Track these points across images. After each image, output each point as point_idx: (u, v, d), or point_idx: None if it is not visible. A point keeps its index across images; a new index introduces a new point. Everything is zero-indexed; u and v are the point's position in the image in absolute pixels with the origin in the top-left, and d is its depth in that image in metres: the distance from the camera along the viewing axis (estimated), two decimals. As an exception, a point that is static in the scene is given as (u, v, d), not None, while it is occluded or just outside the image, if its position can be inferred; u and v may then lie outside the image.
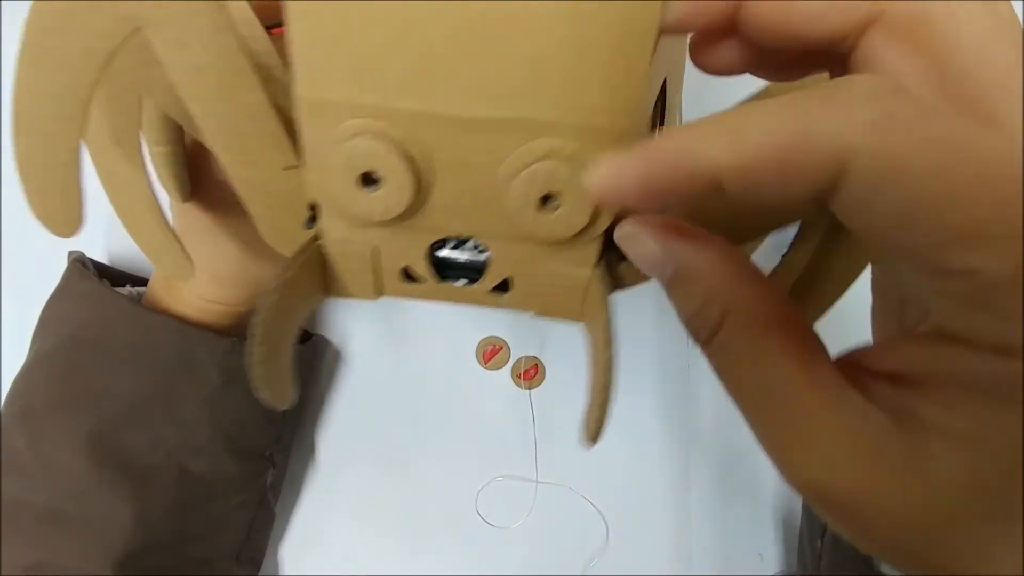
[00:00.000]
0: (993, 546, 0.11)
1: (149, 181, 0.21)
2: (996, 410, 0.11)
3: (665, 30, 0.14)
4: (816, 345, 0.13)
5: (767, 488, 0.42)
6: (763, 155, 0.11)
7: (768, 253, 0.21)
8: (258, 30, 0.18)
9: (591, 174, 0.13)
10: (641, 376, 0.42)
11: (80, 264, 0.35)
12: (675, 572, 0.41)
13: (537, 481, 0.41)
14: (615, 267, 0.21)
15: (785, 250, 0.21)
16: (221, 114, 0.18)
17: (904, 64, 0.12)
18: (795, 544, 0.41)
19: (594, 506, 0.41)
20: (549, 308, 0.21)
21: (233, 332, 0.34)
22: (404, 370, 0.43)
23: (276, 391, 0.19)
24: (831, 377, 0.13)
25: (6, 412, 0.33)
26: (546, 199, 0.17)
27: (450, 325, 0.42)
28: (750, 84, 0.18)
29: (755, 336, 0.13)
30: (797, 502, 0.41)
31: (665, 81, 0.28)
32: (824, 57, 0.14)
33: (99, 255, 0.37)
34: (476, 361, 0.43)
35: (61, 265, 0.35)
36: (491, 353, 0.43)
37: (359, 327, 0.43)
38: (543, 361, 0.42)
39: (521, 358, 0.42)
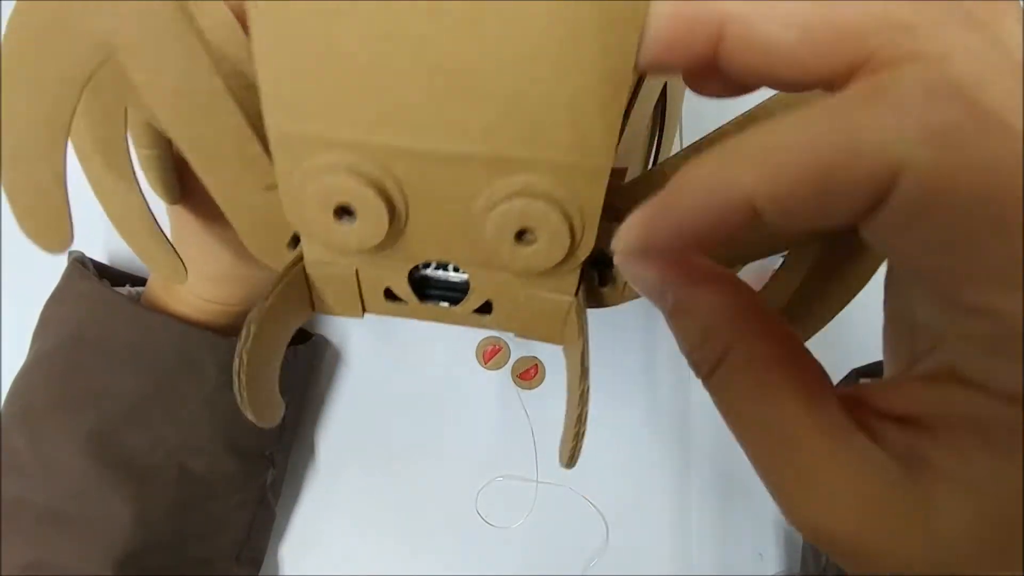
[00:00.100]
0: None
1: (138, 187, 0.21)
2: (1007, 460, 0.11)
3: (640, 73, 0.13)
4: (822, 383, 0.13)
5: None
6: (804, 177, 0.10)
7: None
8: (237, 33, 0.18)
9: (617, 240, 0.12)
10: (641, 376, 0.42)
11: (80, 264, 0.35)
12: (675, 572, 0.41)
13: (537, 481, 0.41)
14: (596, 291, 0.21)
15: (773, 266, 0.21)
16: (198, 136, 0.17)
17: None
18: (795, 544, 0.41)
19: (594, 506, 0.41)
20: (530, 330, 0.21)
21: (232, 331, 0.34)
22: (404, 370, 0.43)
23: (262, 412, 0.19)
24: (836, 418, 0.12)
25: (6, 412, 0.33)
26: (522, 233, 0.16)
27: (450, 325, 0.42)
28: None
29: (758, 373, 0.13)
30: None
31: (666, 84, 0.28)
32: None
33: (99, 255, 0.37)
34: (476, 361, 0.43)
35: (61, 265, 0.35)
36: (491, 353, 0.43)
37: (359, 327, 0.43)
38: (543, 361, 0.42)
39: (521, 358, 0.42)
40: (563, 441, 0.18)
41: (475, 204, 0.16)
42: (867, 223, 0.11)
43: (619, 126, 0.14)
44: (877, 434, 0.12)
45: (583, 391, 0.17)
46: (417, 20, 0.13)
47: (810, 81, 0.11)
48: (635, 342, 0.43)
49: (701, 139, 0.19)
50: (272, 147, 0.16)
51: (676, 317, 0.14)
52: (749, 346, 0.13)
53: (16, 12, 0.15)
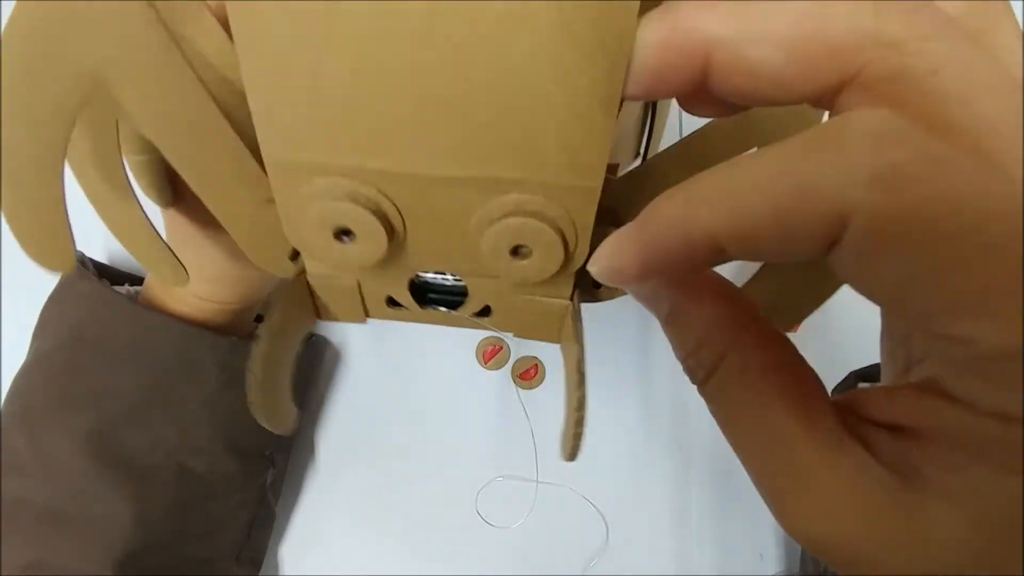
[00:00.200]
0: None
1: (134, 196, 0.21)
2: (997, 474, 0.11)
3: (628, 99, 0.13)
4: (816, 391, 0.13)
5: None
6: (760, 216, 0.10)
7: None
8: (232, 56, 0.18)
9: (592, 262, 0.13)
10: (641, 376, 0.42)
11: (80, 264, 0.35)
12: (675, 572, 0.41)
13: (537, 481, 0.41)
14: (592, 290, 0.21)
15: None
16: (193, 156, 0.17)
17: None
18: (795, 544, 0.41)
19: (594, 506, 0.41)
20: (528, 331, 0.21)
21: (231, 330, 0.34)
22: (404, 370, 0.43)
23: (278, 421, 0.19)
24: (830, 426, 0.12)
25: (6, 412, 0.33)
26: (517, 248, 0.17)
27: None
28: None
29: (752, 381, 0.13)
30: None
31: None
32: None
33: (99, 255, 0.37)
34: (476, 361, 0.43)
35: (61, 265, 0.35)
36: (491, 353, 0.43)
37: (359, 328, 0.43)
38: (543, 361, 0.42)
39: (521, 358, 0.42)
40: (563, 441, 0.18)
41: (470, 221, 0.16)
42: (832, 258, 0.11)
43: (609, 148, 0.15)
44: (870, 442, 0.12)
45: (580, 397, 0.18)
46: (407, 50, 0.13)
47: (800, 99, 0.12)
48: (634, 341, 0.43)
49: (692, 135, 0.19)
50: (269, 173, 0.16)
51: (671, 325, 0.14)
52: (743, 354, 0.13)
53: (4, 43, 0.15)
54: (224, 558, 0.37)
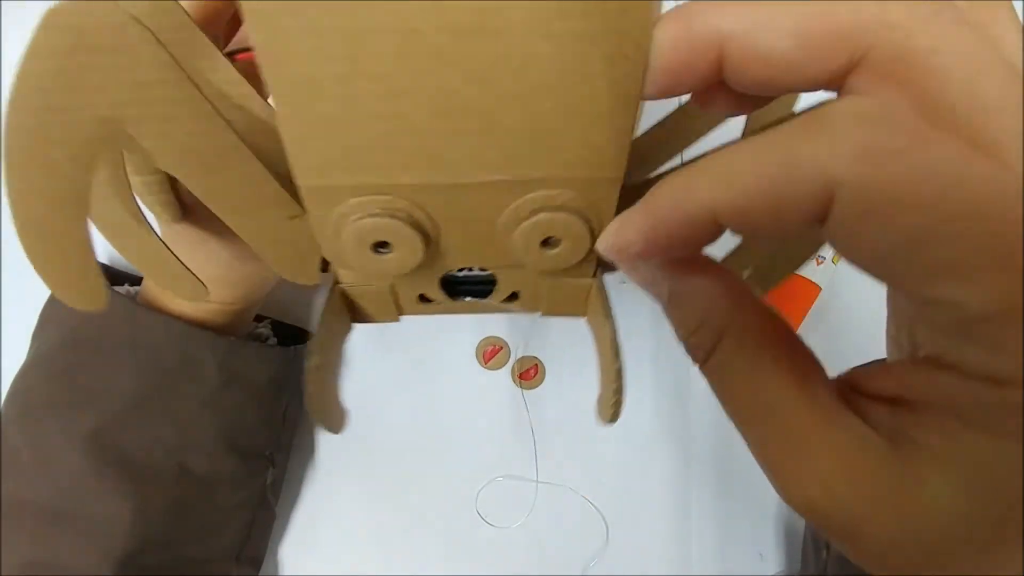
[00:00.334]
0: (986, 573, 0.11)
1: (147, 222, 0.21)
2: (988, 438, 0.11)
3: (647, 99, 0.14)
4: (813, 365, 0.13)
5: (767, 488, 0.41)
6: (755, 191, 0.11)
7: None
8: (245, 87, 0.18)
9: (599, 241, 0.14)
10: (641, 376, 0.42)
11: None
12: (675, 572, 0.41)
13: (537, 481, 0.41)
14: (610, 265, 0.21)
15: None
16: (216, 185, 0.18)
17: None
18: (795, 544, 0.41)
19: (594, 506, 0.41)
20: (555, 309, 0.22)
21: (231, 330, 0.34)
22: (404, 370, 0.43)
23: (334, 423, 0.20)
24: (828, 398, 0.13)
25: (6, 412, 0.33)
26: (547, 240, 0.18)
27: (450, 325, 0.42)
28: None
29: (751, 356, 0.13)
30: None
31: None
32: None
33: (99, 255, 0.37)
34: (476, 361, 0.43)
35: (61, 265, 0.35)
36: (491, 353, 0.43)
37: (359, 327, 0.43)
38: (543, 361, 0.43)
39: (521, 358, 0.42)
40: (602, 401, 0.19)
41: (501, 219, 0.17)
42: (825, 231, 0.12)
43: (629, 141, 0.15)
44: (867, 415, 0.13)
45: (617, 370, 0.19)
46: (435, 71, 0.14)
47: (812, 83, 0.12)
48: (633, 341, 0.43)
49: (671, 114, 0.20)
50: (303, 198, 0.17)
51: (672, 306, 0.15)
52: (742, 331, 0.14)
53: (16, 92, 0.15)
54: (224, 558, 0.37)
